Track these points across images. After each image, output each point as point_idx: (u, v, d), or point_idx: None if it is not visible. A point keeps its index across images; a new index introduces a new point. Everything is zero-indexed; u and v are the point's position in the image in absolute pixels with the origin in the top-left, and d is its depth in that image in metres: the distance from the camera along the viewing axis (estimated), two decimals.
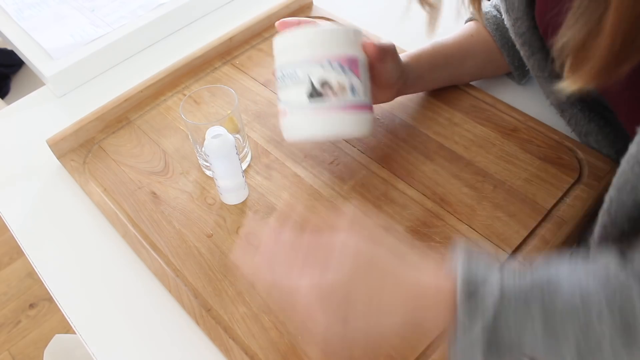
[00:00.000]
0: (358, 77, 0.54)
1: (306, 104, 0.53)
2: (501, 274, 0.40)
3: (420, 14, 0.56)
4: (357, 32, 0.56)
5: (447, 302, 0.40)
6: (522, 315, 0.39)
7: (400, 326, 0.41)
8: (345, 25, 0.59)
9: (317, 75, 0.53)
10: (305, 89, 0.53)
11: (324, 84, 0.53)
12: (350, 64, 0.54)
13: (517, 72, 0.70)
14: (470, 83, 0.72)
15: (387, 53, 0.59)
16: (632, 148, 0.40)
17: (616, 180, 0.42)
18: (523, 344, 0.39)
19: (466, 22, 0.72)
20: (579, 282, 0.39)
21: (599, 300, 0.37)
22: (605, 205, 0.44)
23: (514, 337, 0.39)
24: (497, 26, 0.67)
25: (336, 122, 0.54)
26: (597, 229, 0.46)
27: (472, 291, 0.39)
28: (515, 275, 0.40)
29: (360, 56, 0.55)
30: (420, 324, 0.42)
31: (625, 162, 0.40)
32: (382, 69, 0.59)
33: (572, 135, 0.65)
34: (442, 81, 0.70)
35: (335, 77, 0.53)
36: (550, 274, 0.40)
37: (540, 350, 0.39)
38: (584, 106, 0.61)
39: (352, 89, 0.54)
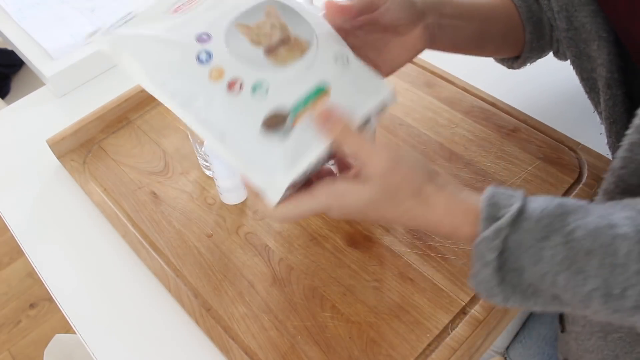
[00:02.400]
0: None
1: None
2: (525, 198, 0.40)
3: None
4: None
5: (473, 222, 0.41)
6: (540, 240, 0.38)
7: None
8: None
9: None
10: None
11: None
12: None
13: (528, 54, 0.63)
14: (470, 83, 0.72)
15: None
16: None
17: (629, 138, 0.40)
18: (540, 274, 0.39)
19: None
20: (608, 215, 0.38)
21: (629, 236, 0.36)
22: (615, 164, 0.42)
23: (528, 262, 0.39)
24: None
25: None
26: (619, 154, 0.43)
27: (493, 212, 0.40)
28: (541, 201, 0.40)
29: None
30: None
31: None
32: (385, 12, 0.49)
33: (574, 136, 0.65)
34: (469, 35, 0.59)
35: None
36: (579, 205, 0.40)
37: (560, 283, 0.38)
38: (628, 90, 0.56)
39: None
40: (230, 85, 0.41)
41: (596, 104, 0.58)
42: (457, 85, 0.73)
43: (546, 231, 0.38)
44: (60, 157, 0.70)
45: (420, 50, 0.53)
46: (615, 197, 0.44)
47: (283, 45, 0.44)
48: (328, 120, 0.41)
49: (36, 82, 1.32)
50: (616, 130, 0.57)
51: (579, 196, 0.59)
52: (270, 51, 0.43)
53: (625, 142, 0.42)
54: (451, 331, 0.51)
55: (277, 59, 0.43)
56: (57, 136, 0.70)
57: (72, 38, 0.84)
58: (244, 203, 0.63)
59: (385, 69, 0.52)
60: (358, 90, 0.45)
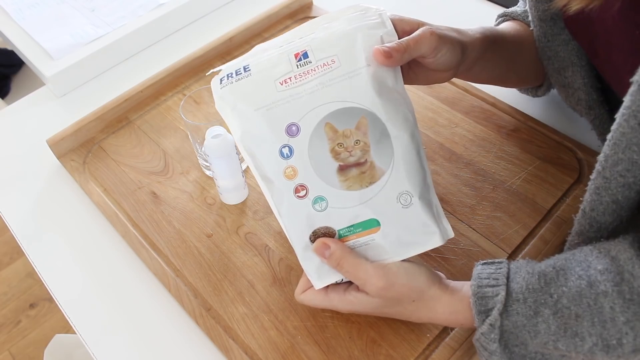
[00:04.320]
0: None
1: None
2: (508, 280, 0.45)
3: (420, 13, 0.56)
4: None
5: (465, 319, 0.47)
6: (531, 317, 0.43)
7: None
8: None
9: None
10: None
11: None
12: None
13: (550, 82, 0.65)
14: (470, 83, 0.72)
15: (441, 41, 0.49)
16: (627, 100, 0.39)
17: (611, 136, 0.42)
18: (541, 344, 0.43)
19: (499, 20, 0.66)
20: (586, 272, 0.42)
21: (609, 292, 0.40)
22: (598, 167, 0.44)
23: (527, 337, 0.43)
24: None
25: None
26: (587, 198, 0.46)
27: (483, 305, 0.45)
28: (522, 276, 0.45)
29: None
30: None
31: (620, 115, 0.40)
32: (435, 61, 0.50)
33: (574, 136, 0.65)
34: (496, 67, 0.60)
35: None
36: (558, 269, 0.44)
37: (561, 348, 0.42)
38: (612, 108, 0.59)
39: None
40: (297, 190, 0.46)
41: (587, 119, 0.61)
42: (457, 85, 0.72)
43: (535, 307, 0.43)
44: (60, 157, 0.70)
45: (449, 79, 0.55)
46: (590, 237, 0.47)
47: (357, 167, 0.46)
48: (326, 249, 0.47)
49: (36, 82, 1.33)
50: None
51: (579, 196, 0.59)
52: (343, 169, 0.46)
53: (591, 186, 0.45)
54: (451, 331, 0.51)
55: (345, 181, 0.46)
56: (57, 136, 0.70)
57: (72, 38, 0.84)
58: (244, 203, 0.63)
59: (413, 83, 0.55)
60: (408, 235, 0.47)
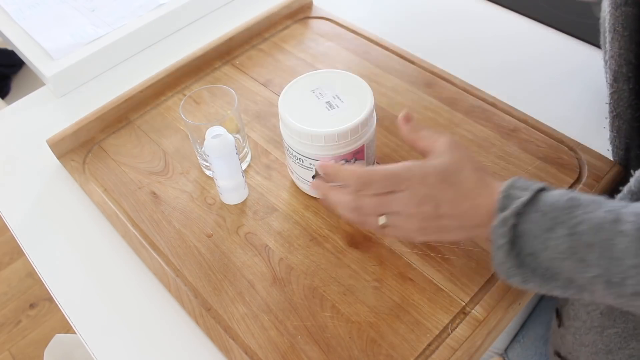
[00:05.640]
0: (362, 158, 0.57)
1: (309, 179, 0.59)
2: (538, 191, 0.45)
3: (420, 13, 0.55)
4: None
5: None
6: (546, 230, 0.43)
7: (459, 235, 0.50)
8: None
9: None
10: (311, 173, 0.58)
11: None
12: (355, 155, 0.56)
13: None
14: (470, 83, 0.72)
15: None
16: None
17: None
18: (549, 258, 0.43)
19: None
20: (619, 209, 0.41)
21: (629, 233, 0.39)
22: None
23: (538, 249, 0.44)
24: None
25: None
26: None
27: (506, 203, 0.45)
28: (556, 194, 0.45)
29: (367, 140, 0.56)
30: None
31: None
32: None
33: (574, 136, 0.65)
34: None
35: None
36: (593, 199, 0.43)
37: (566, 268, 0.43)
38: (635, 85, 0.58)
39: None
40: None
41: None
42: (457, 85, 0.72)
43: (552, 223, 0.43)
44: (60, 157, 0.70)
45: None
46: None
47: None
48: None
49: (36, 82, 1.32)
50: (618, 125, 0.58)
51: None
52: None
53: None
54: (451, 331, 0.51)
55: None
56: (57, 136, 0.70)
57: (72, 38, 0.84)
58: (244, 203, 0.63)
59: None
60: None
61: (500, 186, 0.47)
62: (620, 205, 0.42)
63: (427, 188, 0.48)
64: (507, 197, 0.45)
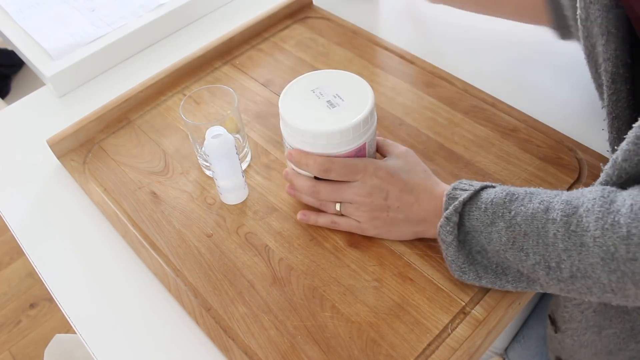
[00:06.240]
0: (365, 154, 0.57)
1: None
2: (477, 190, 0.50)
3: (419, 13, 0.56)
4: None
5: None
6: (488, 225, 0.48)
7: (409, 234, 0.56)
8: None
9: None
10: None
11: None
12: (357, 153, 0.56)
13: (560, 31, 0.66)
14: (470, 83, 0.72)
15: None
16: None
17: (635, 130, 0.42)
18: (495, 251, 0.48)
19: None
20: (550, 199, 0.46)
21: (556, 220, 0.43)
22: (618, 157, 0.44)
23: (484, 243, 0.48)
24: None
25: None
26: (623, 147, 0.45)
27: (449, 203, 0.50)
28: (494, 190, 0.49)
29: (369, 138, 0.56)
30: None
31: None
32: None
33: (574, 136, 0.65)
34: None
35: None
36: (528, 192, 0.48)
37: (509, 259, 0.47)
38: (632, 86, 0.58)
39: None
40: None
41: (602, 99, 0.59)
42: (457, 85, 0.73)
43: (493, 217, 0.47)
44: (60, 157, 0.70)
45: None
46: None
47: None
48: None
49: (36, 82, 1.33)
50: (618, 126, 0.58)
51: None
52: None
53: (631, 134, 0.44)
54: (451, 331, 0.51)
55: None
56: (57, 136, 0.70)
57: (72, 38, 0.84)
58: (244, 203, 0.63)
59: None
60: None
61: (446, 189, 0.52)
62: (552, 194, 0.46)
63: (378, 180, 0.54)
64: (451, 198, 0.50)
